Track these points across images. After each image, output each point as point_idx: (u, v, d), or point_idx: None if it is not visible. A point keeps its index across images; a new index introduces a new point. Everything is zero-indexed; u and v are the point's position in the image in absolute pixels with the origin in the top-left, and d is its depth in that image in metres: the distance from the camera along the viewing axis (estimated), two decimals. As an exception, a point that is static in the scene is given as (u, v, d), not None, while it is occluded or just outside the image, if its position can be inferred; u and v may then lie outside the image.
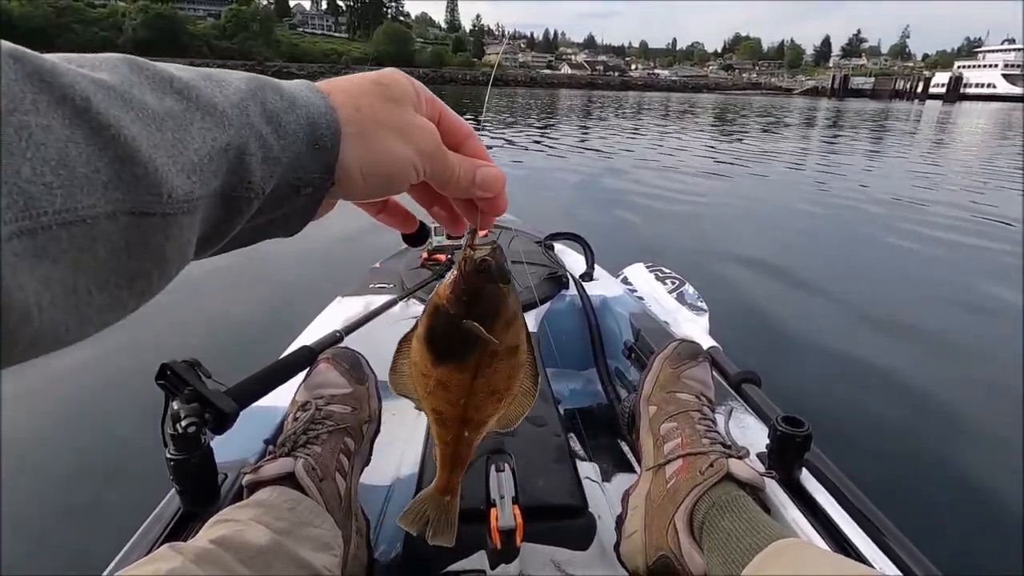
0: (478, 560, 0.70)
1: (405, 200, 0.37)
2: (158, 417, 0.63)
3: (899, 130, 14.96)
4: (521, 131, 10.81)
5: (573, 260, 1.55)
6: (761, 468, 0.68)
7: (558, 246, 1.62)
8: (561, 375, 1.23)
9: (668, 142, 9.90)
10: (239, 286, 2.67)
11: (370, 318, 1.01)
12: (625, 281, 1.61)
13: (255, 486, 0.63)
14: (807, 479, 0.72)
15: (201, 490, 0.67)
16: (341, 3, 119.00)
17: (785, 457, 0.71)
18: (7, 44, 0.17)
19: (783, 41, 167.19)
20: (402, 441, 1.00)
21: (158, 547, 0.51)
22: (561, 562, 0.72)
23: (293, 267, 2.91)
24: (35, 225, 0.16)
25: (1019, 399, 1.80)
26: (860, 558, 0.61)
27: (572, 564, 0.72)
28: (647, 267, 1.67)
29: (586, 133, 11.23)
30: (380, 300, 1.12)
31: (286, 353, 0.83)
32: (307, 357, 0.81)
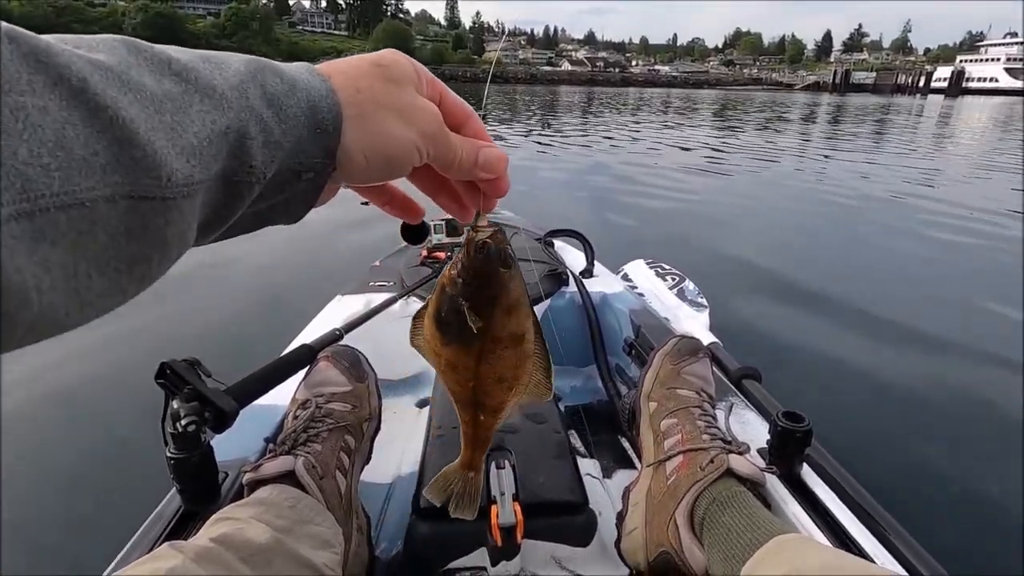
0: (479, 557, 0.70)
1: (412, 192, 0.37)
2: (158, 416, 0.63)
3: (900, 125, 14.91)
4: (521, 128, 10.79)
5: (573, 257, 1.54)
6: (762, 464, 0.68)
7: (558, 243, 1.61)
8: (561, 372, 1.23)
9: (669, 139, 9.87)
10: (239, 285, 2.68)
11: (370, 316, 1.01)
12: (625, 278, 1.61)
13: (255, 484, 0.63)
14: (807, 474, 0.72)
15: (201, 489, 0.67)
16: (341, 1, 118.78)
17: (786, 452, 0.71)
18: (4, 24, 0.17)
19: (784, 36, 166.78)
20: (403, 439, 1.00)
21: (159, 546, 0.51)
22: (562, 559, 0.72)
23: (293, 266, 2.92)
24: (33, 207, 0.16)
25: (1019, 397, 1.80)
26: (861, 553, 0.61)
27: (573, 561, 0.72)
28: (647, 263, 1.67)
29: (587, 130, 11.20)
30: (380, 298, 1.12)
31: (286, 352, 0.83)
32: (307, 355, 0.80)
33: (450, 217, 1.37)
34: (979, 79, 72.92)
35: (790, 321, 2.42)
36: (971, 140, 10.99)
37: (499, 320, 0.36)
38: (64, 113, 0.17)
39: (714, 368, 0.86)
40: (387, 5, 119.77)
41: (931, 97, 54.18)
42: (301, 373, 0.80)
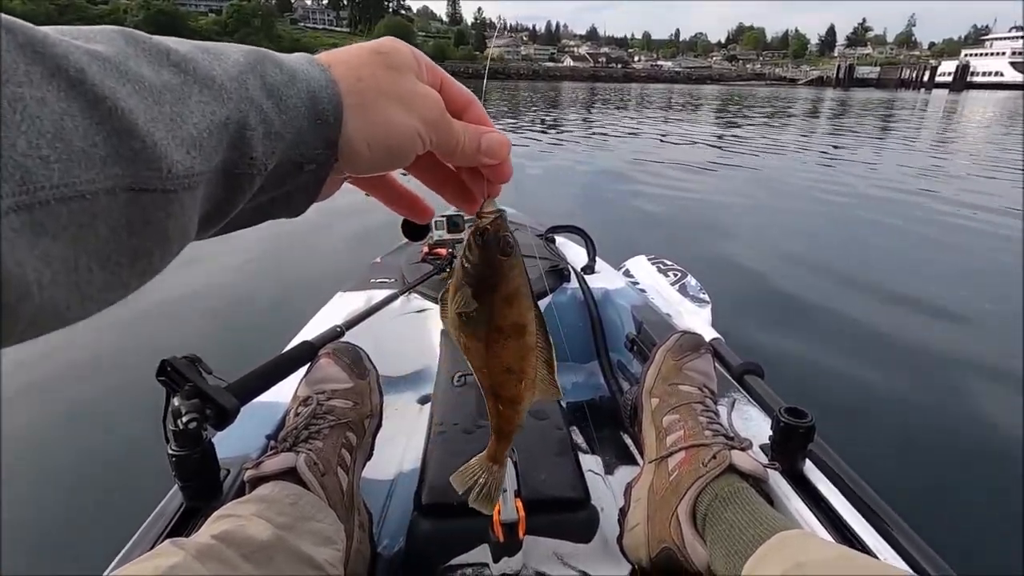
0: (481, 553, 0.70)
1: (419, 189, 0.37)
2: (159, 414, 0.63)
3: (904, 120, 14.82)
4: (523, 125, 10.77)
5: (575, 253, 1.54)
6: (764, 459, 0.68)
7: (559, 239, 1.61)
8: (563, 368, 1.22)
9: (671, 134, 9.85)
10: (241, 282, 2.68)
11: (371, 313, 1.01)
12: (627, 274, 1.61)
13: (257, 481, 0.63)
14: (810, 470, 0.72)
15: (203, 486, 0.67)
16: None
17: (788, 448, 0.71)
18: (1, 16, 0.17)
19: (787, 31, 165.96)
20: (405, 436, 1.00)
21: (161, 543, 0.51)
22: (564, 555, 0.72)
23: (294, 263, 2.92)
24: (32, 200, 0.16)
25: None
26: (864, 549, 0.61)
27: (575, 557, 0.72)
28: (649, 259, 1.66)
29: (589, 126, 11.18)
30: (381, 295, 1.12)
31: (287, 349, 0.83)
32: (308, 352, 0.80)
33: (451, 213, 1.38)
34: (984, 73, 72.46)
35: (793, 315, 2.41)
36: (976, 135, 10.92)
37: (500, 309, 0.36)
38: (63, 104, 0.17)
39: (716, 364, 0.85)
40: (389, 1, 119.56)
41: (935, 92, 53.85)
42: (302, 370, 0.80)
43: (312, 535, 0.58)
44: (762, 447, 0.76)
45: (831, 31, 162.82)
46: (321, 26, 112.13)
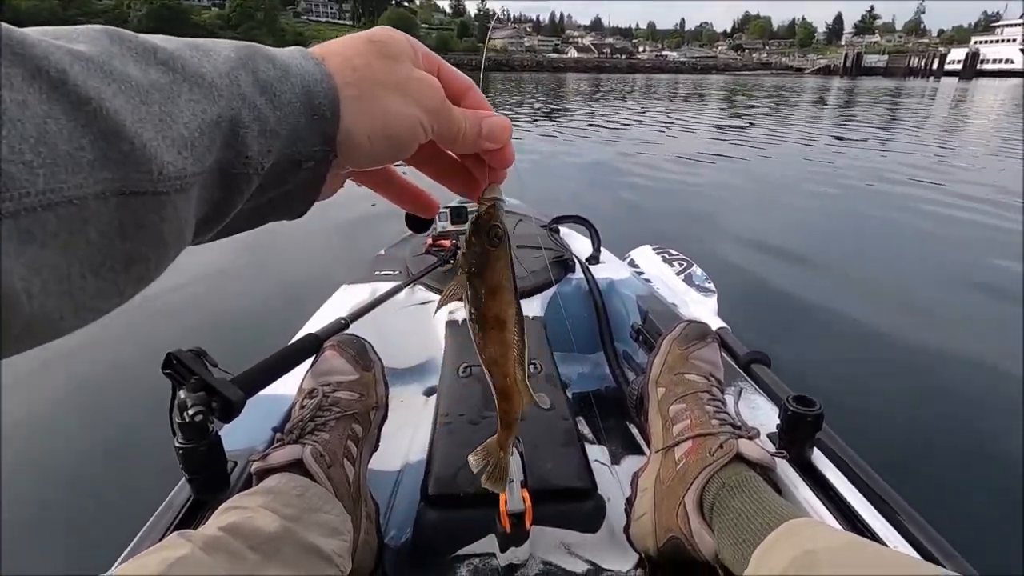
0: (488, 544, 0.70)
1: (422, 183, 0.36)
2: (167, 407, 0.64)
3: (912, 109, 14.65)
4: (526, 116, 10.72)
5: (579, 244, 1.53)
6: (772, 448, 0.67)
7: (564, 230, 1.60)
8: (569, 359, 1.22)
9: (676, 125, 9.78)
10: (245, 277, 2.68)
11: (375, 305, 1.01)
12: (632, 264, 1.60)
13: (264, 473, 0.63)
14: (818, 458, 0.71)
15: (210, 478, 0.67)
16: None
17: (796, 437, 0.70)
18: None
19: (794, 19, 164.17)
20: (411, 428, 1.00)
21: (169, 535, 0.51)
22: (571, 544, 0.72)
23: (298, 257, 2.92)
24: (17, 207, 0.15)
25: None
26: (873, 536, 0.60)
27: (582, 546, 0.72)
28: (654, 249, 1.65)
29: (593, 117, 11.11)
30: (385, 287, 1.12)
31: (292, 341, 0.83)
32: (312, 344, 0.80)
33: (455, 204, 1.38)
34: (994, 60, 71.53)
35: (799, 301, 2.40)
36: (984, 125, 10.77)
37: (485, 299, 0.36)
38: (45, 107, 0.16)
39: (723, 353, 0.85)
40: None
41: (945, 80, 53.17)
42: (308, 363, 0.80)
43: (319, 526, 0.58)
44: (769, 436, 0.76)
45: (838, 19, 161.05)
46: (324, 19, 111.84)
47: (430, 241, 1.36)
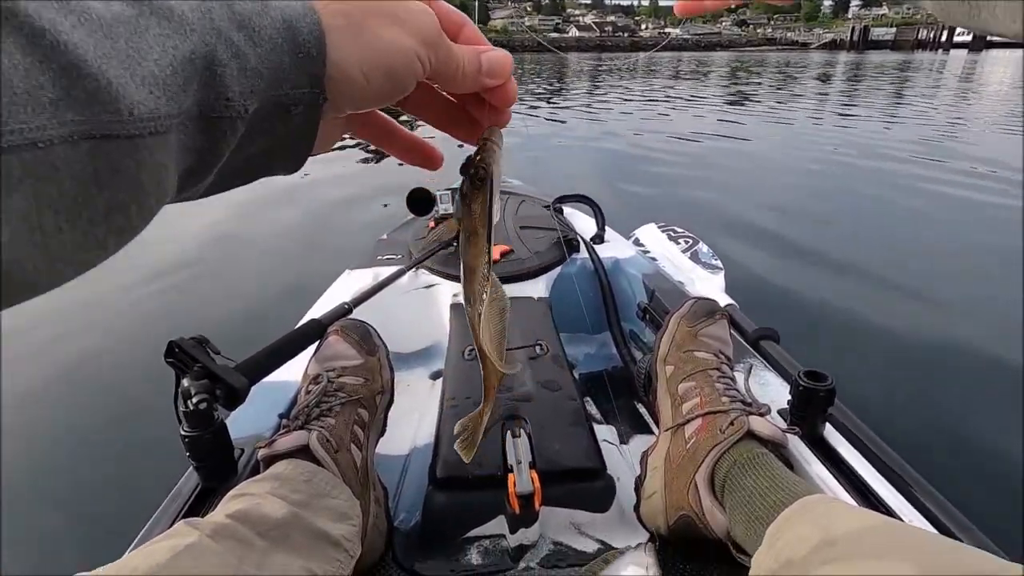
0: (497, 525, 0.70)
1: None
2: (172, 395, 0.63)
3: (920, 84, 14.37)
4: (528, 97, 10.62)
5: (583, 223, 1.52)
6: (783, 425, 0.66)
7: (567, 209, 1.58)
8: (575, 339, 1.22)
9: (679, 104, 9.66)
10: (247, 264, 2.68)
11: (378, 289, 1.00)
12: (637, 242, 1.58)
13: (270, 460, 0.63)
14: (830, 434, 0.71)
15: (217, 465, 0.67)
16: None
17: (808, 412, 0.69)
18: None
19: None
20: (418, 412, 1.00)
21: (177, 523, 0.51)
22: (581, 524, 0.72)
23: (299, 245, 2.91)
24: None
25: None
26: (888, 511, 0.60)
27: (592, 526, 0.72)
28: (659, 227, 1.63)
29: (595, 97, 10.99)
30: (388, 272, 1.11)
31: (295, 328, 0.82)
32: (316, 330, 0.80)
33: (457, 186, 1.36)
34: (1004, 29, 69.86)
35: (805, 282, 2.38)
36: (993, 99, 10.55)
37: (463, 245, 0.33)
38: None
39: (731, 330, 0.84)
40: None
41: (954, 52, 52.04)
42: (312, 349, 0.79)
43: (328, 511, 0.58)
44: (780, 412, 0.75)
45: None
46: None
47: (432, 224, 1.35)
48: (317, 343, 0.80)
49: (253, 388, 0.67)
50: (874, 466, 0.65)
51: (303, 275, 2.30)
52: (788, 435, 0.65)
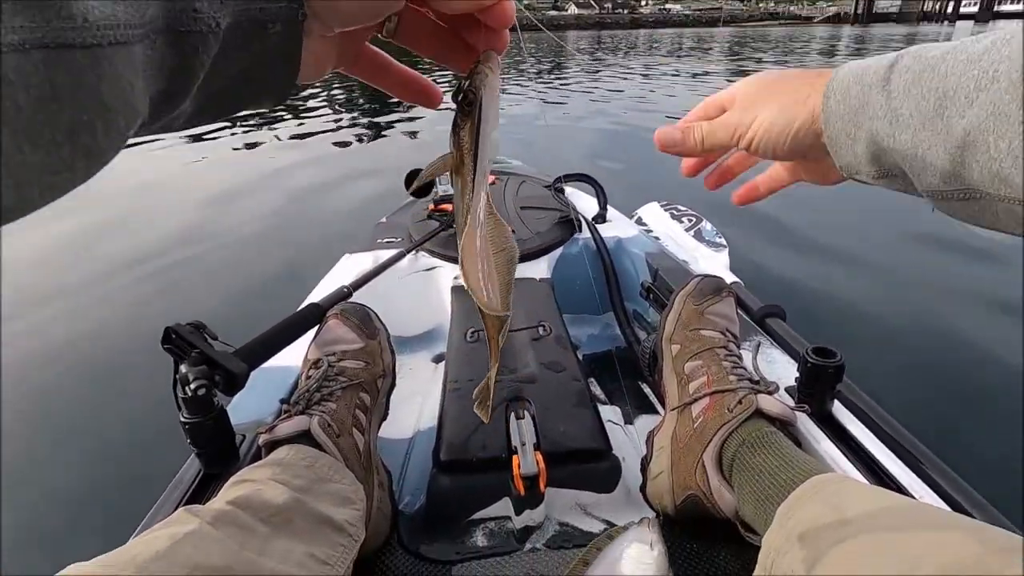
0: (503, 507, 0.70)
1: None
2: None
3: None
4: (527, 77, 10.49)
5: (585, 203, 1.49)
6: (791, 403, 0.65)
7: (568, 189, 1.56)
8: (578, 320, 1.20)
9: (680, 82, 9.53)
10: (248, 250, 2.67)
11: (378, 272, 0.99)
12: (639, 222, 1.56)
13: (272, 445, 0.62)
14: (838, 411, 0.69)
15: (219, 452, 0.66)
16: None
17: (816, 389, 0.68)
18: None
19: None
20: (420, 395, 0.99)
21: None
22: (587, 505, 0.71)
23: (299, 230, 2.89)
24: None
25: None
26: (899, 488, 0.59)
27: (598, 507, 0.71)
28: (662, 206, 1.61)
29: (595, 76, 10.85)
30: (388, 255, 1.10)
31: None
32: (314, 314, 0.79)
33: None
34: (1012, 0, 68.75)
35: (809, 261, 2.36)
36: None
37: (452, 178, 0.32)
38: None
39: (737, 308, 0.82)
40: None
41: (960, 24, 51.22)
42: (311, 333, 0.78)
43: (330, 496, 0.57)
44: (788, 390, 0.74)
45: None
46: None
47: (432, 206, 1.33)
48: (317, 327, 0.78)
49: (254, 374, 0.66)
50: (884, 443, 0.64)
51: (301, 261, 2.29)
52: (797, 413, 0.64)
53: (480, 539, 0.68)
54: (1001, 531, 0.38)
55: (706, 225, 1.45)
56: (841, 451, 0.64)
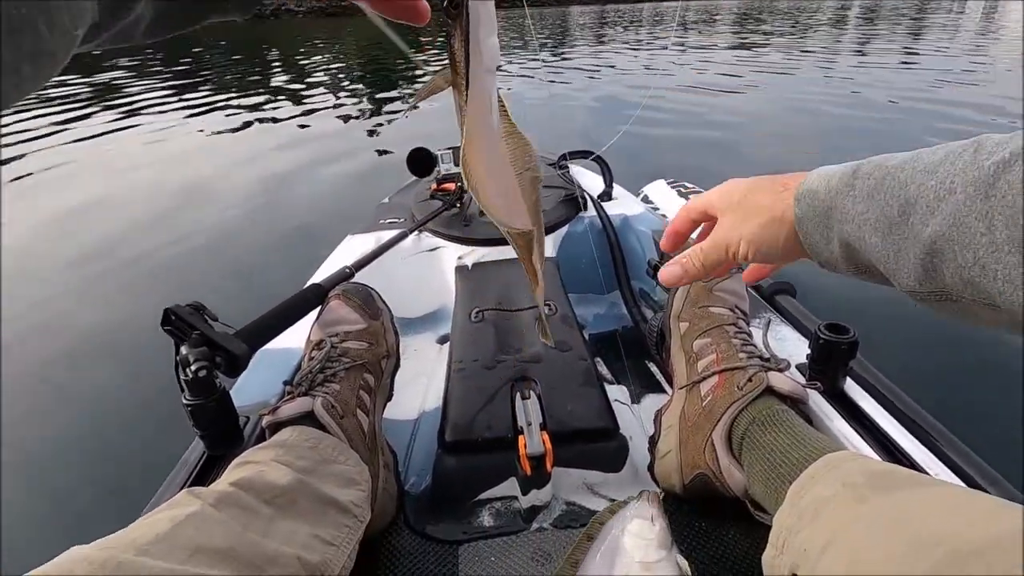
0: (509, 487, 0.69)
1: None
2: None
3: (938, 25, 13.81)
4: (530, 54, 10.33)
5: (590, 181, 1.47)
6: (802, 380, 0.64)
7: (573, 167, 1.53)
8: (584, 300, 1.19)
9: (684, 55, 9.35)
10: (249, 231, 2.65)
11: (380, 252, 0.97)
12: (646, 199, 1.54)
13: (275, 427, 0.61)
14: (850, 388, 0.68)
15: (222, 433, 0.66)
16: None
17: (829, 366, 0.67)
18: None
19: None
20: (425, 376, 0.99)
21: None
22: (594, 484, 0.71)
23: (300, 212, 2.88)
24: None
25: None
26: (914, 466, 0.58)
27: (605, 486, 0.71)
28: (669, 184, 1.58)
29: (600, 52, 10.67)
30: (391, 235, 1.08)
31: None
32: (316, 295, 0.77)
33: (458, 145, 1.31)
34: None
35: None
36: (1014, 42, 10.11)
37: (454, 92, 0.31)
38: None
39: (746, 285, 0.81)
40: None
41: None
42: (314, 314, 0.77)
43: (335, 477, 0.57)
44: (798, 367, 0.73)
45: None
46: None
47: (434, 186, 1.30)
48: (319, 308, 0.77)
49: (257, 355, 0.65)
50: (897, 419, 0.63)
51: (303, 243, 2.28)
52: (809, 390, 0.63)
53: (486, 519, 0.67)
54: (1019, 508, 0.37)
55: (714, 202, 1.42)
56: (854, 428, 0.63)
